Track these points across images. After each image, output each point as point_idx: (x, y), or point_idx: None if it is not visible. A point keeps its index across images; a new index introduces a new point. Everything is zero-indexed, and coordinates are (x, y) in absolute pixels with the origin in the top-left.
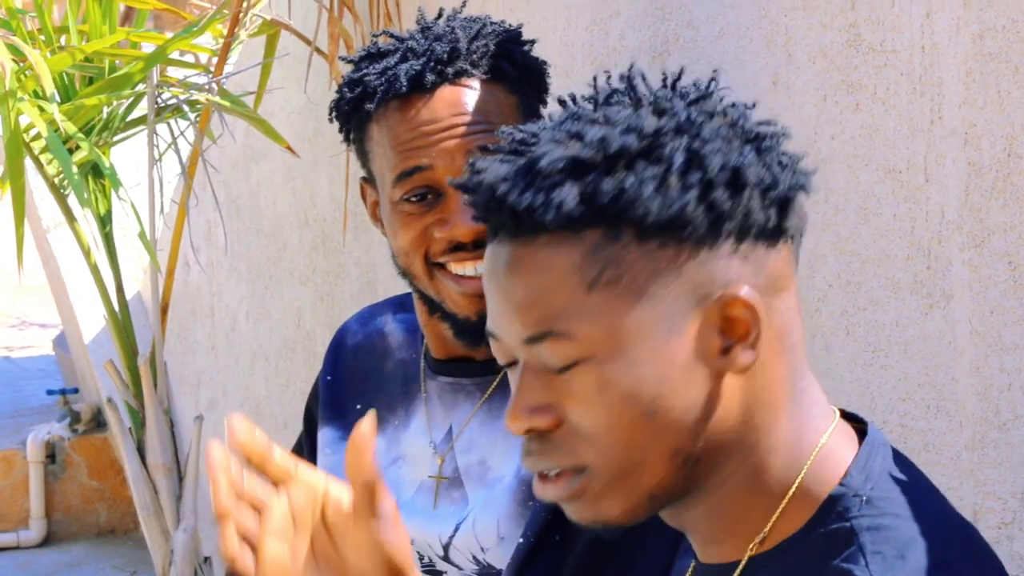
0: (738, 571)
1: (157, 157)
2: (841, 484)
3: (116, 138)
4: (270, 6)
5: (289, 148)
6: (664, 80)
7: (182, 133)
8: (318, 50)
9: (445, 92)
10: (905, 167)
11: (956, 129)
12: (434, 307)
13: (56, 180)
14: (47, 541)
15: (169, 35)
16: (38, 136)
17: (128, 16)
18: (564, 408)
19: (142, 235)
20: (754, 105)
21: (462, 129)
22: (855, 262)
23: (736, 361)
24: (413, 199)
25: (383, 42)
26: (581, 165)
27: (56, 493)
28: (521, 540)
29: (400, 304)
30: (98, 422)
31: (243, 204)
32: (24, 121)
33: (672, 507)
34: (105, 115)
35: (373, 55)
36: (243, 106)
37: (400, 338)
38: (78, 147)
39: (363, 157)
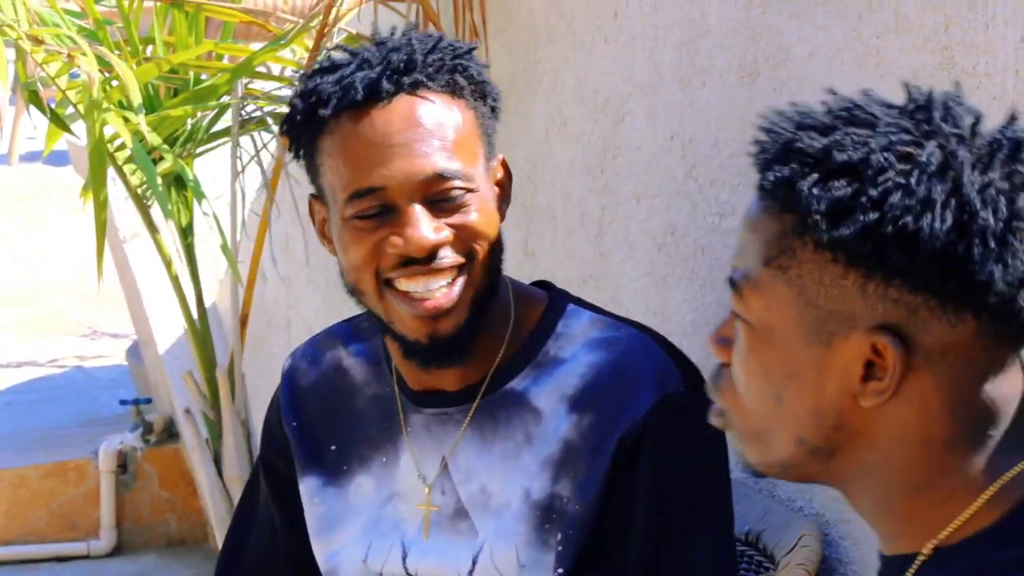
0: (916, 564)
1: (240, 169)
2: None
3: (200, 150)
4: (358, 19)
5: None
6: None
7: (265, 146)
8: None
9: (401, 103)
10: None
11: None
12: (384, 328)
13: (139, 191)
14: (117, 551)
15: (254, 47)
16: (122, 147)
17: (208, 25)
18: (732, 354)
19: (224, 247)
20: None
21: (418, 147)
22: None
23: (866, 396)
24: (366, 216)
25: (337, 56)
26: (813, 158)
27: (127, 503)
28: (560, 571)
29: (348, 334)
30: (170, 433)
31: None
32: (108, 131)
33: (839, 489)
34: (189, 127)
35: (327, 68)
36: None
37: (364, 372)
38: (162, 158)
39: (313, 172)
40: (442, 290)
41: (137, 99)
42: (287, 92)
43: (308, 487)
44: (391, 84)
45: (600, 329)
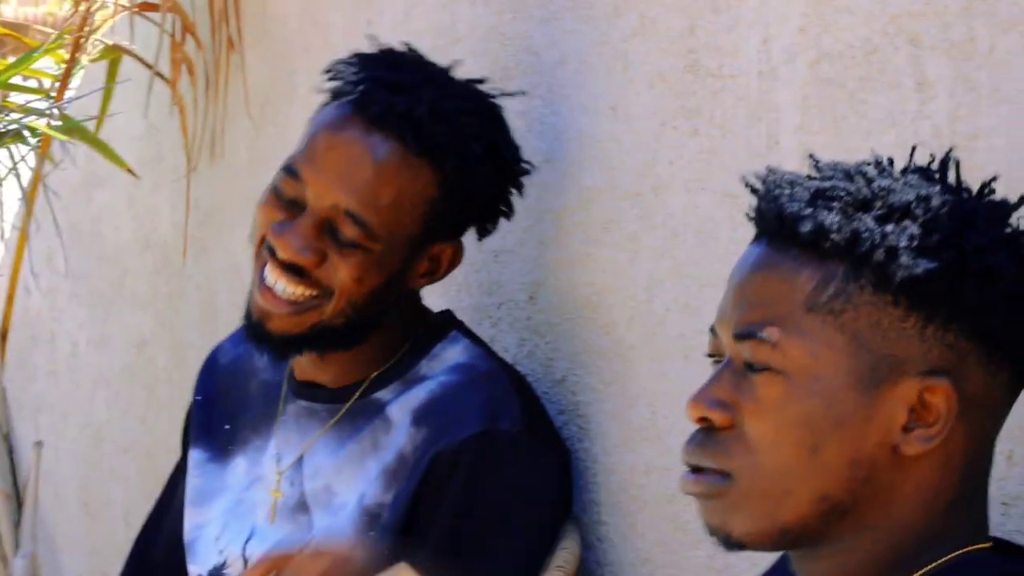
0: None
1: None
2: None
3: None
4: (113, 31)
5: (131, 171)
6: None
7: (23, 158)
8: (159, 75)
9: (375, 129)
10: (742, 191)
11: (792, 154)
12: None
13: None
14: None
15: (11, 60)
16: None
17: None
18: (742, 412)
19: None
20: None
21: (351, 174)
22: (693, 286)
23: (910, 444)
24: (280, 193)
25: (385, 51)
26: (857, 203)
27: None
28: None
29: None
30: None
31: (84, 229)
32: None
33: (801, 552)
34: None
35: (371, 57)
36: (84, 131)
37: (267, 359)
38: None
39: None
40: (283, 292)
41: None
42: (44, 104)
43: (193, 459)
44: (382, 109)
45: (468, 356)
